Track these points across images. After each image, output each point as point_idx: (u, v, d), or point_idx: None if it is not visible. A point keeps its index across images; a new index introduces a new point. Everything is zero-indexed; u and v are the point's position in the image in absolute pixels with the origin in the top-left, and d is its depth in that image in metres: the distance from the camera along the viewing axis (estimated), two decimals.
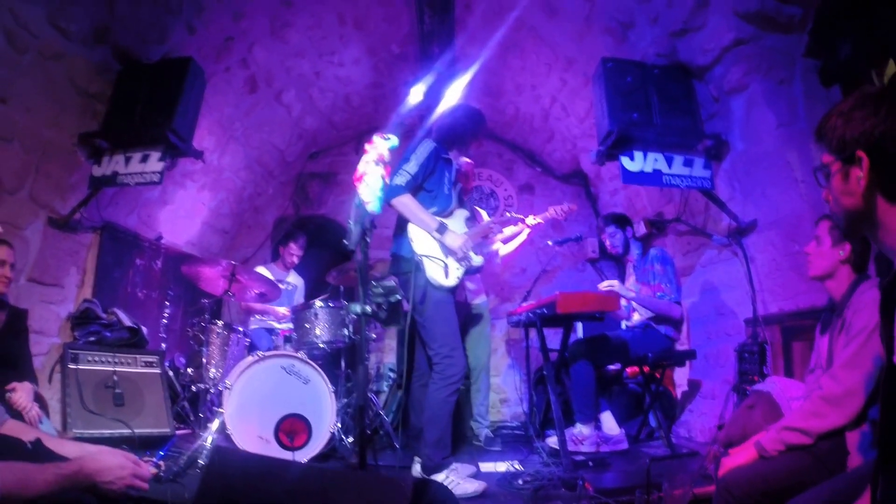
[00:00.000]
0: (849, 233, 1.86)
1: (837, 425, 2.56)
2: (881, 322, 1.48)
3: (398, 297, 5.86)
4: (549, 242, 6.65)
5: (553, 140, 8.78)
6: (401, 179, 4.43)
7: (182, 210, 7.36)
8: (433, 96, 7.47)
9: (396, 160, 4.24)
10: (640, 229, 6.72)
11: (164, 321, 6.71)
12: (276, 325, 6.96)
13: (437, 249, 4.51)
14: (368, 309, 3.55)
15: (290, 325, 6.44)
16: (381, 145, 3.76)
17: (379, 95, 8.51)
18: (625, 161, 5.32)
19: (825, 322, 3.07)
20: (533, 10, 6.30)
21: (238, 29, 6.22)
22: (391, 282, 6.65)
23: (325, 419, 5.04)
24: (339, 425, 5.32)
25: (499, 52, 7.07)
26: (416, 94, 7.50)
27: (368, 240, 3.59)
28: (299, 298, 7.54)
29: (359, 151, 9.12)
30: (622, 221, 6.08)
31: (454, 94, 7.44)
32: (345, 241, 3.56)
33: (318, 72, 7.58)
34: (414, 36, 7.02)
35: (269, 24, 6.43)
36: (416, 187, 4.55)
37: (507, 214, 5.84)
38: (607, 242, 6.16)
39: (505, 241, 6.16)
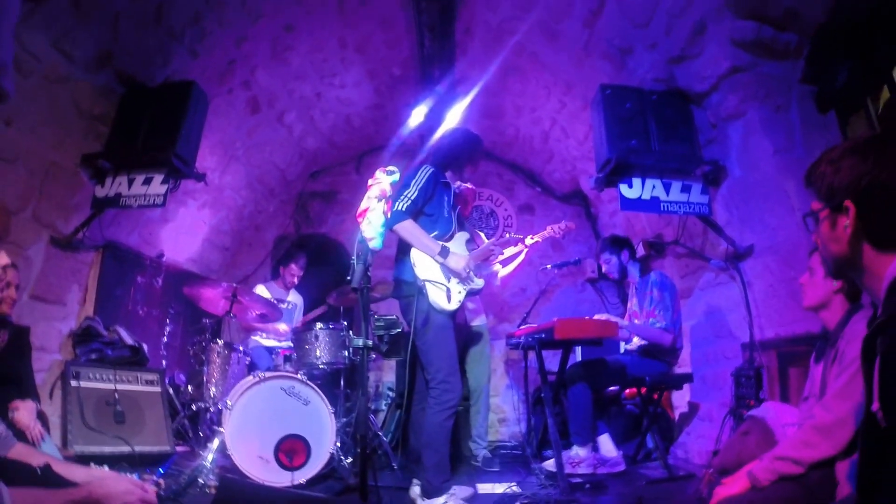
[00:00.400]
0: (836, 276, 1.92)
1: (828, 455, 2.59)
2: (862, 369, 1.53)
3: (399, 329, 5.91)
4: (548, 266, 6.70)
5: (553, 161, 8.83)
6: (402, 205, 4.48)
7: (183, 227, 7.41)
8: (434, 118, 7.57)
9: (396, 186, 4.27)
10: (639, 251, 6.77)
11: (165, 339, 6.75)
12: (275, 343, 7.01)
13: (440, 274, 4.57)
14: (370, 342, 3.61)
15: (290, 344, 6.50)
16: (384, 181, 3.81)
17: (380, 116, 8.57)
18: (623, 188, 5.38)
19: (819, 351, 3.11)
20: (532, 36, 6.37)
21: (240, 52, 6.29)
22: (392, 315, 6.71)
23: (325, 440, 5.08)
24: (339, 444, 5.35)
25: (499, 75, 7.15)
26: (417, 115, 7.58)
27: (370, 275, 3.64)
28: (299, 317, 7.61)
29: (359, 171, 9.30)
30: (617, 246, 6.13)
31: (455, 116, 7.52)
32: (348, 277, 3.61)
33: (319, 93, 7.65)
34: (414, 59, 7.10)
35: (271, 48, 6.49)
36: (417, 212, 4.60)
37: (507, 235, 5.89)
38: (604, 268, 6.22)
39: (504, 263, 6.19)
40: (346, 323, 6.03)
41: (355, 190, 9.35)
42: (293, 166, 8.75)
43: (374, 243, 3.68)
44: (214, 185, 7.32)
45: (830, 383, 2.78)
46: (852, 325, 2.80)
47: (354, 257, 3.61)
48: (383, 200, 3.80)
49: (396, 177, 3.98)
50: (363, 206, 3.79)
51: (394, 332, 6.71)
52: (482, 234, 6.35)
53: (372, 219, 3.70)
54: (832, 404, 2.65)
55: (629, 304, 6.25)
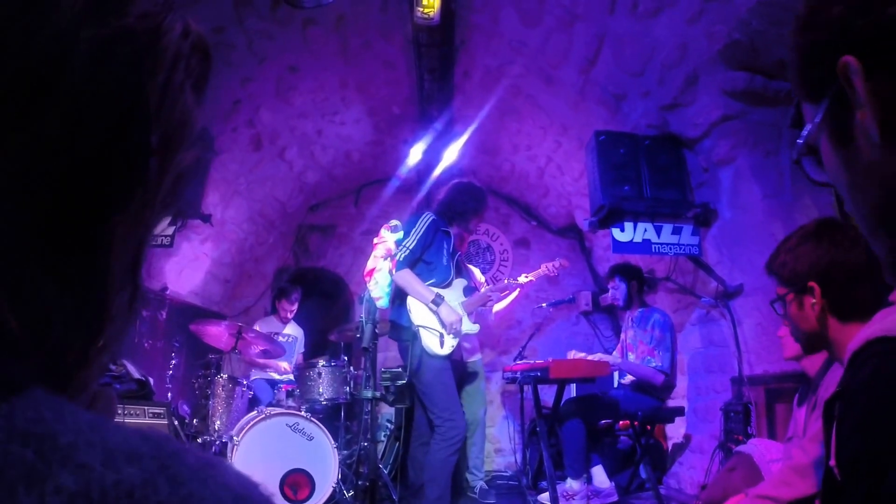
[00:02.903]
0: (808, 351, 2.14)
1: (806, 494, 2.72)
2: (823, 428, 1.71)
3: (403, 381, 6.12)
4: (544, 305, 6.86)
5: (548, 196, 9.00)
6: (400, 255, 4.65)
7: (186, 261, 7.53)
8: (432, 155, 7.74)
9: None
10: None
11: (170, 371, 6.87)
12: (277, 376, 7.14)
13: (434, 320, 4.75)
14: (378, 394, 3.79)
15: (291, 378, 6.64)
16: (389, 239, 3.98)
17: (379, 152, 8.73)
18: (615, 232, 5.54)
19: (802, 394, 3.24)
20: (529, 79, 6.55)
21: (245, 92, 6.46)
22: (398, 368, 6.87)
23: (328, 474, 5.23)
24: (340, 477, 5.48)
25: (496, 115, 7.33)
26: (415, 154, 7.75)
27: (378, 332, 3.80)
28: (300, 349, 7.73)
29: (358, 204, 9.42)
30: (627, 273, 6.24)
31: (452, 154, 7.70)
32: (357, 336, 3.77)
33: (320, 130, 7.82)
34: (414, 99, 7.25)
35: (275, 88, 6.66)
36: (415, 260, 4.78)
37: (506, 281, 6.03)
38: (610, 293, 6.32)
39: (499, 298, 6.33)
40: (346, 358, 6.18)
41: (353, 223, 9.51)
42: (293, 199, 8.88)
43: (381, 302, 3.87)
44: (217, 219, 7.43)
45: (810, 426, 2.94)
46: (831, 373, 2.94)
47: (363, 316, 3.78)
48: (389, 259, 3.98)
49: (401, 234, 4.17)
50: (370, 265, 3.98)
51: (399, 383, 6.87)
52: (477, 271, 6.49)
53: (379, 279, 3.89)
54: (809, 447, 2.78)
55: (623, 336, 6.35)
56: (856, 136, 0.78)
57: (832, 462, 1.57)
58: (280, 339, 7.18)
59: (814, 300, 1.95)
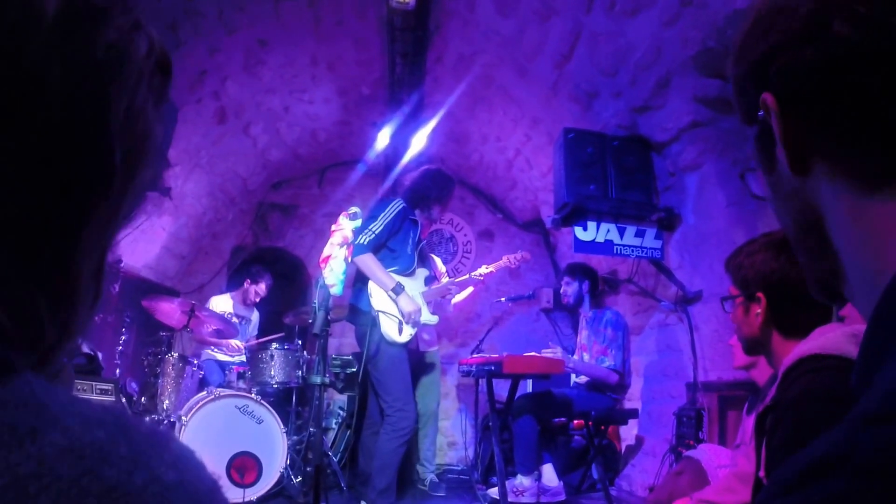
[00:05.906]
0: (748, 353, 2.17)
1: (748, 501, 2.73)
2: (755, 440, 1.73)
3: (353, 368, 6.05)
4: (503, 299, 6.82)
5: (515, 189, 8.95)
6: (364, 238, 4.59)
7: (142, 234, 7.38)
8: (400, 140, 7.65)
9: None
10: None
11: (120, 347, 6.74)
12: (228, 358, 7.02)
13: (394, 306, 4.70)
14: (327, 380, 3.72)
15: (243, 359, 6.54)
16: (346, 226, 3.91)
17: (346, 132, 8.62)
18: (578, 231, 5.53)
19: (751, 403, 3.24)
20: (503, 70, 6.49)
21: (213, 63, 6.32)
22: (348, 355, 6.80)
23: (276, 458, 5.15)
24: (288, 462, 5.42)
25: (467, 103, 7.27)
26: (382, 138, 7.66)
27: (333, 318, 3.73)
28: (253, 331, 7.61)
29: (321, 185, 9.29)
30: (581, 274, 6.22)
31: (420, 140, 7.63)
32: (309, 321, 3.70)
33: (287, 107, 7.70)
34: (384, 81, 7.18)
35: (243, 60, 6.53)
36: (380, 246, 4.72)
37: (467, 276, 5.99)
38: (562, 290, 6.31)
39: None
40: (300, 342, 6.10)
41: (316, 204, 9.38)
42: (255, 176, 8.73)
43: (335, 290, 3.79)
44: (176, 192, 7.29)
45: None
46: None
47: (316, 302, 3.71)
48: (346, 247, 3.92)
49: (359, 222, 4.10)
50: (326, 252, 3.90)
51: (349, 370, 6.81)
52: (439, 261, 6.42)
53: (334, 266, 3.82)
54: (753, 454, 2.78)
55: (579, 337, 6.34)
56: (777, 166, 0.78)
57: (762, 473, 1.59)
58: (234, 319, 7.06)
59: (759, 310, 1.99)
